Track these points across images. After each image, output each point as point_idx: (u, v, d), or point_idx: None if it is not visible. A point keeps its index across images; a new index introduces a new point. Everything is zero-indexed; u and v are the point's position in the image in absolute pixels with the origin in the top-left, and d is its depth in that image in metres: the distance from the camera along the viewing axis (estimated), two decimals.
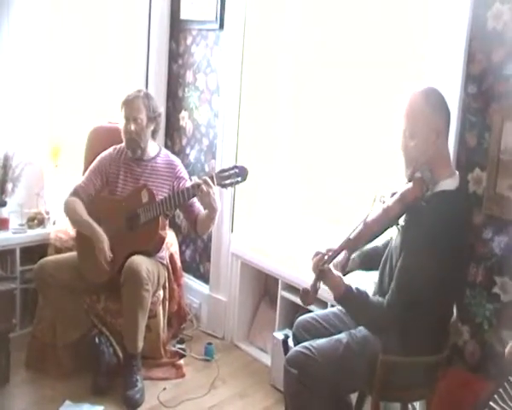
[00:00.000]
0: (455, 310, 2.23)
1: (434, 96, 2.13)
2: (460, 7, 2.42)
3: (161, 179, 3.09)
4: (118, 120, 3.18)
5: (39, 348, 3.10)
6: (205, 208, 2.89)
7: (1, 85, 3.33)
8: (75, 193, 3.07)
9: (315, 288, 2.14)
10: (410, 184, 2.08)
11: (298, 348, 2.23)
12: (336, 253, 2.14)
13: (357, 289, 2.15)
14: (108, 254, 2.89)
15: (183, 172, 3.16)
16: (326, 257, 2.14)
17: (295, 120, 3.60)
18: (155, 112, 3.11)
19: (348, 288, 2.13)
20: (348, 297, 2.13)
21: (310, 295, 2.14)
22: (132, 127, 3.03)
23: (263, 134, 3.61)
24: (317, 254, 2.20)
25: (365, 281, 2.72)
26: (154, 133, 3.17)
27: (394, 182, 2.22)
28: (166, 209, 2.90)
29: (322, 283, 2.15)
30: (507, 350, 1.56)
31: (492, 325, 2.40)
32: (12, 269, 3.31)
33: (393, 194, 2.14)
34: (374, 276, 2.38)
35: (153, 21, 3.89)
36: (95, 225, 2.94)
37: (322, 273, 2.12)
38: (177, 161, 3.19)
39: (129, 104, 3.06)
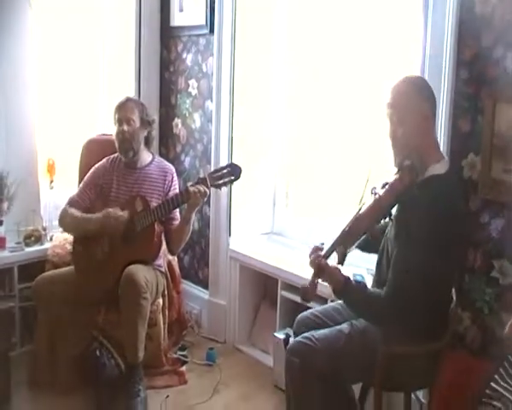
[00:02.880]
0: (454, 296, 2.20)
1: (419, 83, 2.16)
2: None
3: (154, 185, 3.07)
4: (111, 131, 3.16)
5: (40, 366, 3.05)
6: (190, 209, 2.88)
7: None
8: (70, 204, 3.07)
9: (314, 284, 2.13)
10: (400, 173, 2.08)
11: (299, 338, 2.23)
12: (333, 247, 2.14)
13: (355, 281, 2.15)
14: (122, 213, 2.90)
15: (175, 182, 3.15)
16: (323, 252, 2.15)
17: (288, 119, 3.60)
18: (148, 116, 3.12)
19: (347, 280, 2.12)
20: (347, 290, 2.12)
21: (309, 292, 2.13)
22: (125, 128, 3.02)
23: (256, 135, 3.60)
24: (314, 249, 2.20)
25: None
26: (147, 142, 3.16)
27: (385, 175, 2.21)
28: (161, 215, 2.88)
29: (320, 278, 2.14)
30: (506, 329, 1.53)
31: (492, 309, 2.37)
32: (10, 287, 3.28)
33: (385, 185, 2.13)
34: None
35: (143, 30, 3.89)
36: (94, 215, 2.96)
37: (319, 268, 2.12)
38: (170, 168, 3.18)
39: (122, 107, 3.07)
